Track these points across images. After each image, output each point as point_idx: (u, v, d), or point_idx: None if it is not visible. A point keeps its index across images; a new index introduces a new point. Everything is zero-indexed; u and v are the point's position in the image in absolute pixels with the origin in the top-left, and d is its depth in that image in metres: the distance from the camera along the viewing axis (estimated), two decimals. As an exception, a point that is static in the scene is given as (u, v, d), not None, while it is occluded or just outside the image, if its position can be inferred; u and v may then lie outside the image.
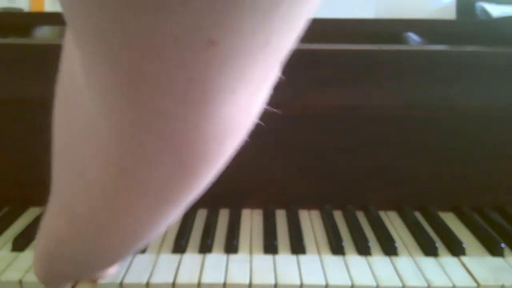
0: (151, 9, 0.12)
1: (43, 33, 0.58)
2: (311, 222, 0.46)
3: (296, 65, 0.42)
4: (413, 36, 0.58)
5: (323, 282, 0.36)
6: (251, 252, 0.40)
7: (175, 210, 0.20)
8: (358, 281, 0.36)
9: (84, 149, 0.19)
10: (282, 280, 0.36)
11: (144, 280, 0.35)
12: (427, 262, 0.39)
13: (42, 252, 0.27)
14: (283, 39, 0.13)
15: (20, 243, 0.40)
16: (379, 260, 0.39)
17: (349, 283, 0.36)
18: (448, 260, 0.39)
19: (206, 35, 0.12)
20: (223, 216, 0.47)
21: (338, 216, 0.47)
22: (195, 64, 0.13)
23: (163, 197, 0.18)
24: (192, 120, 0.14)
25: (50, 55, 0.44)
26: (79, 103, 0.18)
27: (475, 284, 0.36)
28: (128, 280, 0.36)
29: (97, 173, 0.19)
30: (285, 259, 0.39)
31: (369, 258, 0.40)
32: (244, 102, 0.15)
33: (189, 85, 0.13)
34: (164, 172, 0.17)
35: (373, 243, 0.42)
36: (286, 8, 0.12)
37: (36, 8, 0.55)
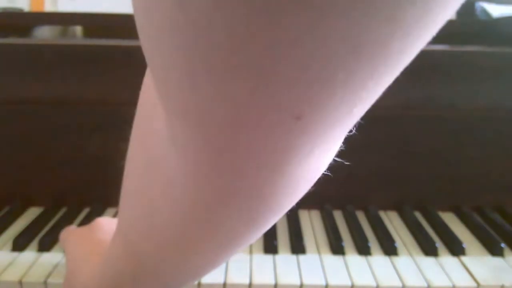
0: (243, 87, 0.12)
1: (43, 33, 0.58)
2: (311, 222, 0.46)
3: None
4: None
5: (323, 282, 0.36)
6: (251, 252, 0.40)
7: (237, 249, 0.21)
8: (358, 281, 0.36)
9: (157, 195, 0.19)
10: (282, 280, 0.36)
11: None
12: (427, 262, 0.39)
13: (102, 283, 0.28)
14: (365, 107, 0.14)
15: (20, 243, 0.40)
16: (379, 260, 0.39)
17: (349, 283, 0.36)
18: (448, 260, 0.39)
19: (294, 112, 0.13)
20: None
21: (338, 216, 0.47)
22: (280, 135, 0.14)
23: (230, 242, 0.20)
24: (270, 179, 0.16)
25: (50, 55, 0.44)
26: (156, 151, 0.18)
27: (475, 284, 0.36)
28: (128, 280, 0.36)
29: (168, 220, 0.19)
30: (285, 259, 0.39)
31: (369, 258, 0.40)
32: (320, 158, 0.16)
33: (273, 153, 0.14)
34: (235, 223, 0.18)
35: (373, 243, 0.42)
36: (373, 83, 0.13)
37: (36, 8, 0.55)
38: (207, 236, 0.19)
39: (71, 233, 0.35)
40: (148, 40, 0.14)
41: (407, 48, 0.12)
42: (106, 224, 0.35)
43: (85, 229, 0.34)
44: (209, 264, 0.22)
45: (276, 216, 0.19)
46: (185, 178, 0.17)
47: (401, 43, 0.12)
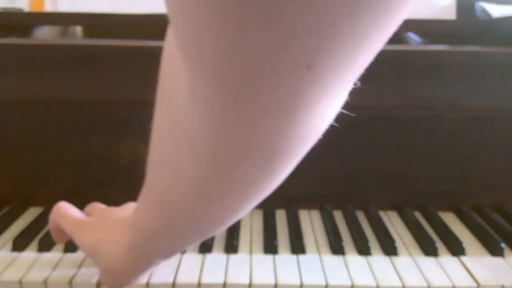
0: (258, 36, 0.13)
1: (42, 33, 0.58)
2: (311, 222, 0.47)
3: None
4: (413, 36, 0.58)
5: (323, 282, 0.36)
6: (251, 252, 0.40)
7: (255, 199, 0.23)
8: (358, 281, 0.36)
9: (182, 152, 0.21)
10: (282, 280, 0.36)
11: (144, 280, 0.36)
12: (427, 262, 0.39)
13: (132, 245, 0.30)
14: (368, 57, 0.15)
15: (20, 243, 0.40)
16: (379, 260, 0.39)
17: (349, 283, 0.36)
18: (448, 260, 0.39)
19: (306, 60, 0.14)
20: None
21: (338, 216, 0.47)
22: (293, 83, 0.15)
23: (249, 194, 0.22)
24: (282, 127, 0.17)
25: (50, 55, 0.44)
26: (180, 110, 0.20)
27: (475, 284, 0.36)
28: (128, 280, 0.36)
29: (194, 171, 0.21)
30: (285, 259, 0.39)
31: (369, 258, 0.40)
32: (326, 110, 0.17)
33: (285, 100, 0.15)
34: (253, 174, 0.20)
35: (373, 243, 0.42)
36: (376, 33, 0.14)
37: (36, 8, 0.55)
38: (227, 188, 0.21)
39: (76, 221, 0.36)
40: None
41: None
42: (115, 210, 0.37)
43: (92, 218, 0.36)
44: (229, 215, 0.24)
45: (288, 166, 0.20)
46: (207, 132, 0.18)
47: None
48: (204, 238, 0.32)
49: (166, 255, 0.32)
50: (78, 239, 0.34)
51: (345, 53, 0.14)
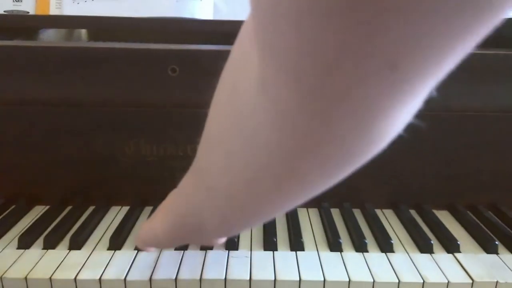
0: (344, 32, 0.13)
1: (48, 36, 0.58)
2: (309, 220, 0.47)
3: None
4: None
5: (320, 278, 0.36)
6: (251, 249, 0.41)
7: (306, 197, 0.22)
8: (355, 276, 0.37)
9: (241, 139, 0.20)
10: (281, 276, 0.37)
11: (147, 277, 0.36)
12: (422, 259, 0.40)
13: (171, 215, 0.30)
14: (454, 62, 0.14)
15: (26, 241, 0.41)
16: (375, 256, 0.40)
17: (346, 279, 0.36)
18: (443, 257, 0.40)
19: (390, 61, 0.13)
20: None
21: (335, 214, 0.48)
22: (373, 84, 0.14)
23: (303, 189, 0.21)
24: (356, 128, 0.16)
25: (55, 58, 0.45)
26: (245, 99, 0.19)
27: (469, 281, 0.36)
28: (132, 276, 0.36)
29: (248, 163, 0.20)
30: (284, 256, 0.40)
31: (366, 254, 0.40)
32: (400, 115, 0.17)
33: (364, 101, 0.15)
34: (312, 171, 0.19)
35: (369, 240, 0.42)
36: (467, 37, 0.13)
37: (41, 11, 0.56)
38: (282, 181, 0.20)
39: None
40: None
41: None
42: None
43: None
44: (275, 210, 0.23)
45: (351, 168, 0.19)
46: (272, 124, 0.17)
47: None
48: (241, 230, 0.32)
49: (199, 237, 0.31)
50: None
51: (432, 56, 0.13)
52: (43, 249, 0.41)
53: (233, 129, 0.20)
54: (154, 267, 0.38)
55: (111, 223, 0.46)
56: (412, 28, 0.12)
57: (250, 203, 0.22)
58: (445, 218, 0.48)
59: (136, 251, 0.40)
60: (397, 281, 0.36)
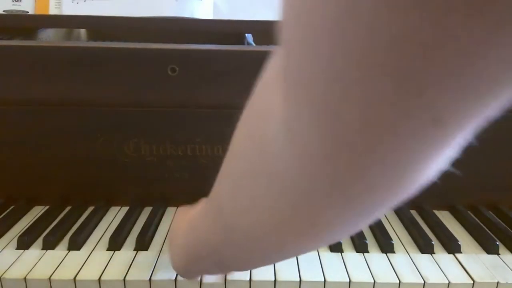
0: (389, 86, 0.12)
1: (47, 36, 0.58)
2: (310, 221, 0.47)
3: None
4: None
5: (321, 278, 0.36)
6: (251, 250, 0.41)
7: (327, 242, 0.21)
8: (355, 277, 0.37)
9: (262, 183, 0.19)
10: (281, 276, 0.36)
11: (146, 277, 0.36)
12: (423, 259, 0.40)
13: (187, 250, 0.29)
14: (492, 111, 0.14)
15: (25, 241, 0.41)
16: (375, 257, 0.40)
17: (347, 279, 0.36)
18: (443, 257, 0.40)
19: (434, 115, 0.13)
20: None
21: (336, 214, 0.48)
22: (415, 140, 0.13)
23: (326, 233, 0.20)
24: (389, 179, 0.15)
25: (54, 57, 0.45)
26: (268, 142, 0.18)
27: (470, 281, 0.36)
28: (131, 277, 0.36)
29: (270, 206, 0.19)
30: (284, 256, 0.40)
31: (366, 255, 0.40)
32: (435, 163, 0.16)
33: (402, 154, 0.14)
34: (335, 220, 0.18)
35: (370, 240, 0.42)
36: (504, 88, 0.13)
37: (40, 11, 0.56)
38: (302, 229, 0.19)
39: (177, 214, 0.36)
40: (294, 24, 0.14)
41: None
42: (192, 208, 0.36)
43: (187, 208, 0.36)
44: (293, 252, 0.23)
45: (373, 216, 0.19)
46: (295, 173, 0.17)
47: None
48: (256, 267, 0.31)
49: (216, 270, 0.31)
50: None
51: (476, 109, 0.13)
52: (42, 249, 0.41)
53: (258, 172, 0.20)
54: (154, 267, 0.38)
55: (110, 223, 0.46)
56: (460, 86, 0.12)
57: (270, 245, 0.22)
58: (446, 218, 0.48)
59: (135, 251, 0.40)
60: (398, 281, 0.36)
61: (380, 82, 0.12)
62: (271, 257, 0.24)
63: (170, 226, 0.39)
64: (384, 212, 0.19)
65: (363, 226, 0.19)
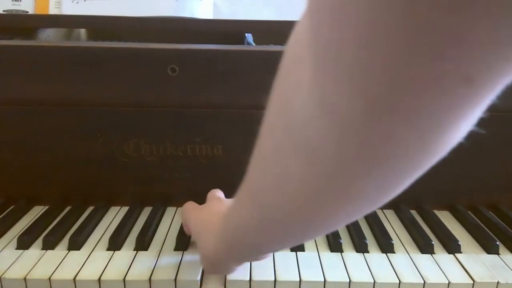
0: (426, 48, 0.12)
1: (47, 36, 0.58)
2: (310, 221, 0.47)
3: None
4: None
5: (321, 278, 0.36)
6: (251, 250, 0.41)
7: (365, 212, 0.21)
8: (355, 277, 0.37)
9: (293, 156, 0.19)
10: (281, 277, 0.36)
11: (146, 277, 0.36)
12: (423, 259, 0.40)
13: (222, 237, 0.30)
14: None
15: (25, 241, 0.41)
16: (376, 257, 0.40)
17: (347, 279, 0.36)
18: (443, 257, 0.40)
19: (466, 73, 0.13)
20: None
21: (336, 214, 0.48)
22: (446, 100, 0.14)
23: (362, 202, 0.20)
24: (422, 140, 0.15)
25: (54, 57, 0.45)
26: (297, 113, 0.18)
27: (470, 281, 0.36)
28: (131, 277, 0.36)
29: (303, 179, 0.19)
30: (284, 256, 0.40)
31: (366, 255, 0.40)
32: (466, 124, 0.16)
33: (433, 114, 0.14)
34: (368, 185, 0.18)
35: (370, 240, 0.42)
36: None
37: (40, 11, 0.56)
38: (338, 201, 0.19)
39: (192, 210, 0.39)
40: None
41: None
42: (218, 203, 0.38)
43: (203, 206, 0.38)
44: (329, 226, 0.23)
45: (411, 180, 0.18)
46: (327, 140, 0.17)
47: None
48: (294, 244, 0.32)
49: (255, 254, 0.31)
50: (189, 223, 0.37)
51: (505, 68, 0.13)
52: (42, 249, 0.41)
53: (287, 146, 0.20)
54: (154, 267, 0.38)
55: (110, 223, 0.46)
56: (493, 41, 0.12)
57: (304, 220, 0.22)
58: (446, 218, 0.48)
59: (135, 251, 0.40)
60: (398, 281, 0.36)
61: (414, 39, 0.12)
62: (305, 233, 0.24)
63: (183, 225, 0.41)
64: (416, 177, 0.19)
65: (394, 194, 0.19)
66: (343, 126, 0.16)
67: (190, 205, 0.40)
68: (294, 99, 0.18)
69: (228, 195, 0.48)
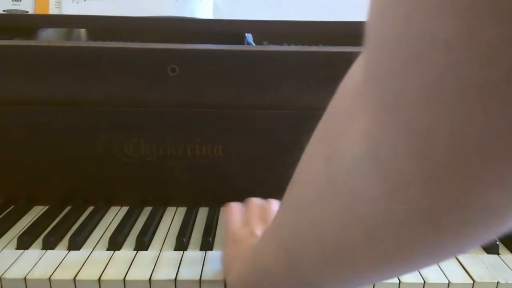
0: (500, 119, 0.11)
1: (47, 36, 0.58)
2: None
3: (296, 67, 0.43)
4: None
5: (321, 278, 0.36)
6: (251, 250, 0.41)
7: (396, 275, 0.20)
8: (355, 277, 0.37)
9: (333, 211, 0.18)
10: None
11: (146, 277, 0.36)
12: (423, 259, 0.40)
13: (250, 269, 0.29)
14: None
15: (25, 241, 0.41)
16: (376, 257, 0.40)
17: (347, 279, 0.36)
18: (443, 257, 0.40)
19: None
20: (224, 215, 0.47)
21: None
22: None
23: (394, 268, 0.18)
24: (479, 213, 0.13)
25: (54, 57, 0.45)
26: (344, 164, 0.16)
27: (470, 281, 0.36)
28: (131, 277, 0.36)
29: (339, 237, 0.18)
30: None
31: (367, 255, 0.40)
32: None
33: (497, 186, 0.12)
34: (410, 252, 0.16)
35: (370, 240, 0.42)
36: None
37: (40, 11, 0.56)
38: (374, 258, 0.17)
39: (230, 233, 0.36)
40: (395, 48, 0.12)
41: None
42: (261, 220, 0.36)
43: (243, 231, 0.35)
44: (365, 281, 0.20)
45: (458, 253, 0.17)
46: (376, 198, 0.15)
47: None
48: None
49: None
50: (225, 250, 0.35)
51: None
52: (42, 249, 0.41)
53: (327, 196, 0.18)
54: (154, 267, 0.38)
55: (110, 223, 0.46)
56: None
57: (336, 277, 0.20)
58: (446, 218, 0.48)
59: (135, 251, 0.40)
60: (398, 281, 0.36)
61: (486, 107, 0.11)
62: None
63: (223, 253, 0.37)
64: (478, 246, 0.17)
65: (449, 258, 0.17)
66: (397, 184, 0.14)
67: (230, 214, 0.38)
68: (340, 151, 0.17)
69: (228, 195, 0.48)
